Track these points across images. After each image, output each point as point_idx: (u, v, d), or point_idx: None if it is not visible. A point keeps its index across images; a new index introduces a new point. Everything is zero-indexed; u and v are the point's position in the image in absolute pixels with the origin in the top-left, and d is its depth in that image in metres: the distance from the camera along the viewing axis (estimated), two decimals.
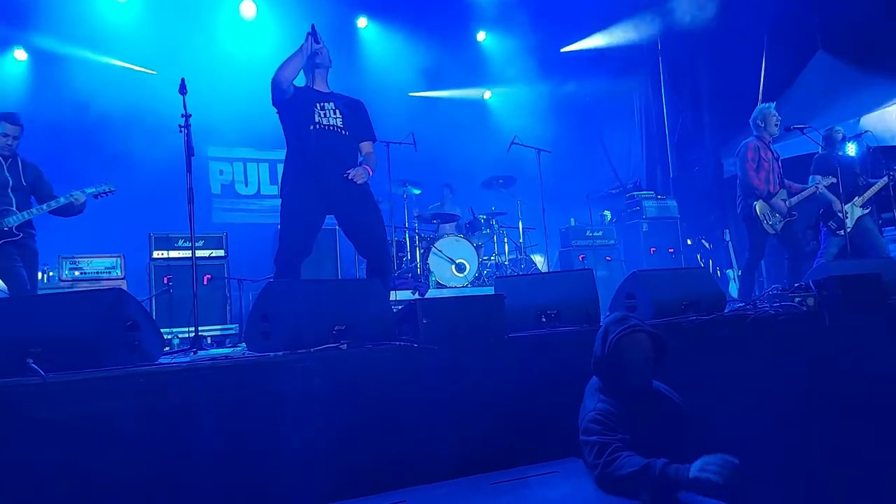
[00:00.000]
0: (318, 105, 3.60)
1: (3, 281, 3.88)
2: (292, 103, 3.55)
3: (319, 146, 3.53)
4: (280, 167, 8.62)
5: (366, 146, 3.76)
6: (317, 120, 3.56)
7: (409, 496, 2.21)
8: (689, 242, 7.70)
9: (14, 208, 3.96)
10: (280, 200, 3.72)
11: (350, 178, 3.48)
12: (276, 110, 3.63)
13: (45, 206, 4.03)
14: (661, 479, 1.95)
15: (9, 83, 7.15)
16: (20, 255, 3.96)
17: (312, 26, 3.58)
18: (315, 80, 3.72)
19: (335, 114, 3.61)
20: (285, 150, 3.74)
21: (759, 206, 5.04)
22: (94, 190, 4.16)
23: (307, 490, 2.23)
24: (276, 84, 3.46)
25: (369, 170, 3.62)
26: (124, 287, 5.06)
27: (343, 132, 3.63)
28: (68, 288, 4.94)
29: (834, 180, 5.21)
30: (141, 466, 2.10)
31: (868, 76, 6.89)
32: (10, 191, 3.97)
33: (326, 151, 3.55)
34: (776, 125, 5.22)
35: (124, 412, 2.13)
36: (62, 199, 4.03)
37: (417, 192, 7.11)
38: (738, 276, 6.66)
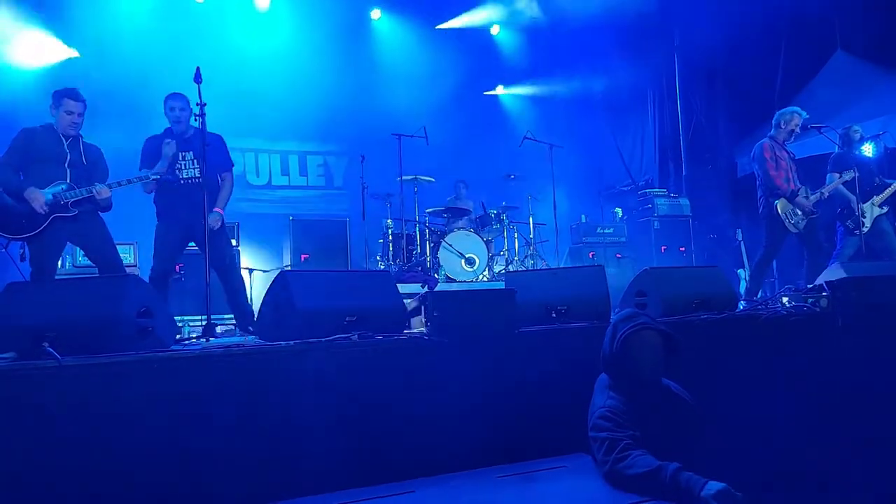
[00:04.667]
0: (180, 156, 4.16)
1: (32, 264, 3.69)
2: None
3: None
4: (291, 158, 8.77)
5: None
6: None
7: (417, 487, 2.22)
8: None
9: (68, 182, 3.77)
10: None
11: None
12: None
13: (83, 191, 3.77)
14: (671, 484, 1.94)
15: (26, 74, 7.19)
16: (75, 234, 3.83)
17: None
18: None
19: (193, 164, 4.16)
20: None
21: (780, 204, 4.99)
22: (123, 181, 3.90)
23: (317, 478, 2.25)
24: None
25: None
26: (137, 274, 5.11)
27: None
28: (83, 273, 4.99)
29: (855, 174, 5.14)
30: (153, 450, 2.13)
31: (887, 76, 6.80)
32: (66, 166, 3.79)
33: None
34: (794, 132, 5.19)
35: (138, 397, 2.15)
36: (90, 190, 3.77)
37: (430, 179, 7.07)
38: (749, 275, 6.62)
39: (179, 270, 5.30)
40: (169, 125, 4.22)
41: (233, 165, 4.40)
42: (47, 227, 3.70)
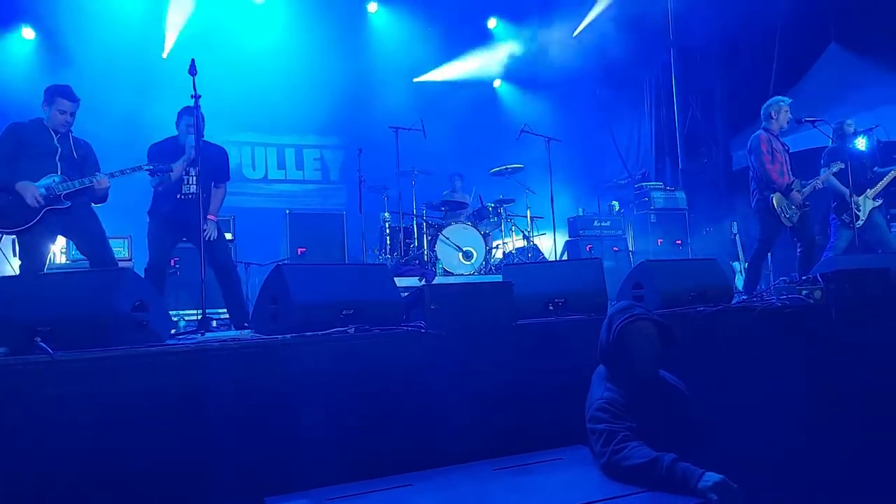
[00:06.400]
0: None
1: (22, 257, 3.70)
2: None
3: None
4: (288, 152, 8.73)
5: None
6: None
7: (414, 480, 2.22)
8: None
9: (60, 175, 3.74)
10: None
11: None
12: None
13: (76, 183, 3.74)
14: (668, 475, 1.94)
15: (16, 63, 7.12)
16: (67, 227, 3.81)
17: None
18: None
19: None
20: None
21: (775, 199, 4.98)
22: (124, 169, 3.85)
23: (314, 472, 2.24)
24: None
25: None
26: (131, 268, 5.08)
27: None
28: (76, 267, 4.96)
29: (843, 165, 5.15)
30: (148, 445, 2.12)
31: (881, 69, 6.81)
32: (56, 159, 3.77)
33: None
34: (786, 120, 5.18)
35: (132, 391, 2.14)
36: (85, 181, 3.76)
37: (428, 173, 7.07)
38: (744, 268, 6.63)
39: (174, 265, 5.28)
40: (176, 135, 4.20)
41: (228, 179, 4.48)
42: (39, 220, 3.67)
